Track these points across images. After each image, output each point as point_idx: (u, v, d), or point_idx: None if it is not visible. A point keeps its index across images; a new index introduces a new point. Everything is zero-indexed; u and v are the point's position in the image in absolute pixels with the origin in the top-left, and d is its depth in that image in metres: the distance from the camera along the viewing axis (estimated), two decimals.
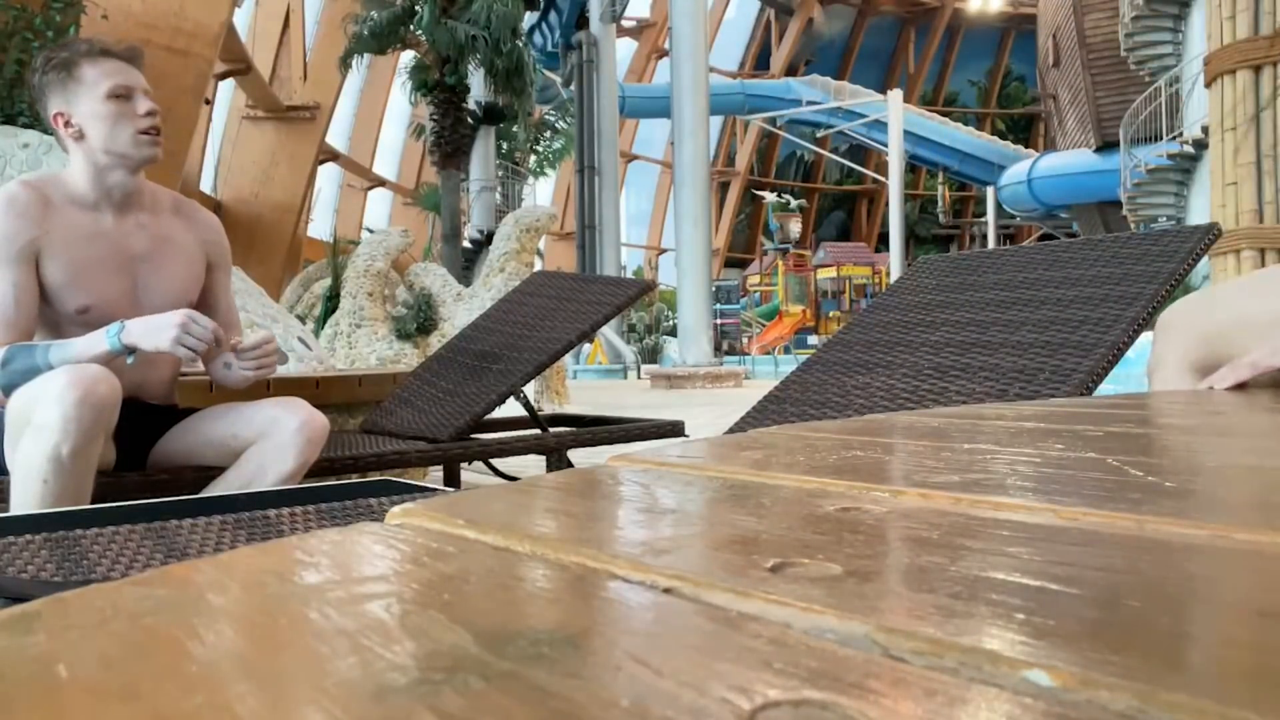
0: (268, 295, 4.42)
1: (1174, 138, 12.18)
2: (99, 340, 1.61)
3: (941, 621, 0.22)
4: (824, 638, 0.22)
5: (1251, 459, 0.53)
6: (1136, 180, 12.82)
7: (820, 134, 30.25)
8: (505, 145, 19.92)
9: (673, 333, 18.18)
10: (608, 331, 17.06)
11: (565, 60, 20.83)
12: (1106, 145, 16.78)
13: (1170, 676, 0.19)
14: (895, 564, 0.29)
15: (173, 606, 0.25)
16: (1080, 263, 1.87)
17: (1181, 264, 1.71)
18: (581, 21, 20.15)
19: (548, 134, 23.12)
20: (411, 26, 15.13)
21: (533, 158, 22.52)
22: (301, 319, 8.13)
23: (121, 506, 1.41)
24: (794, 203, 29.01)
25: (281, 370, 3.68)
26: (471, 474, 3.10)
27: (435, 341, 7.42)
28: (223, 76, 15.21)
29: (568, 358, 8.64)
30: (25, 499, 1.50)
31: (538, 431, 2.62)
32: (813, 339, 22.99)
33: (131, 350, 1.61)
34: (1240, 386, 1.02)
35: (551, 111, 23.49)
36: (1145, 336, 1.68)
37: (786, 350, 22.70)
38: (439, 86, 15.13)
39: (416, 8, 14.95)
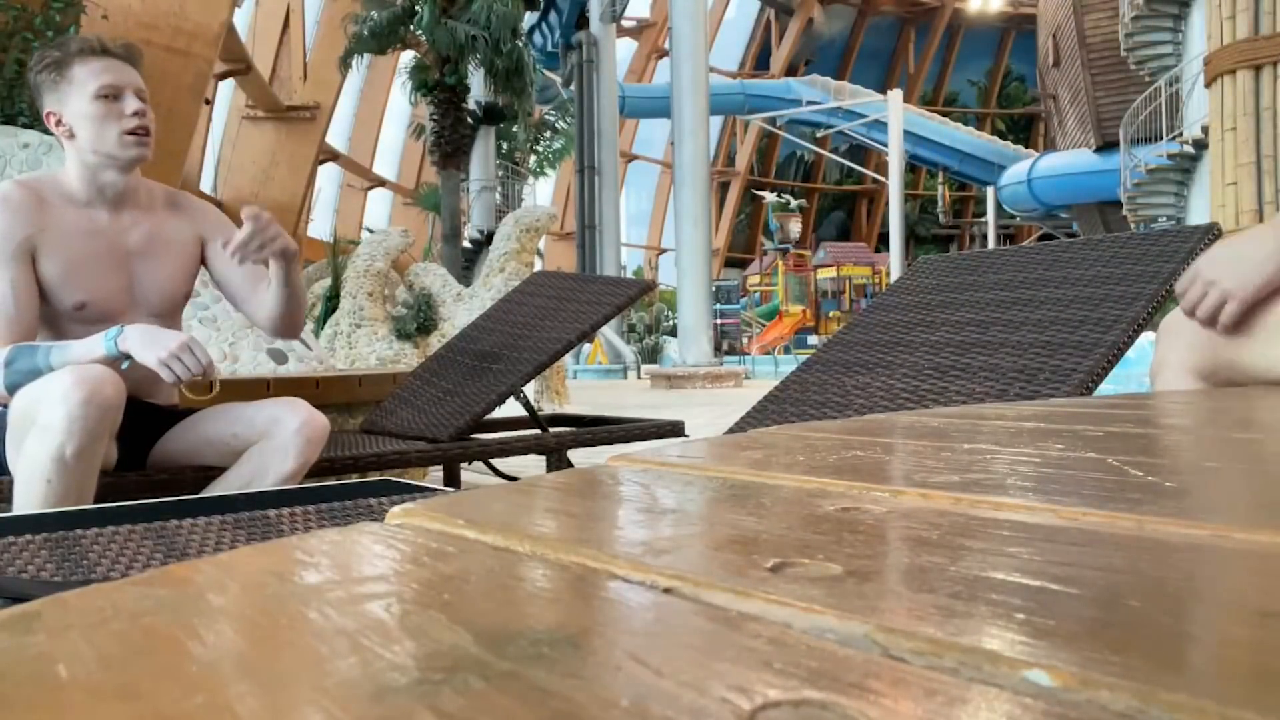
0: None
1: (1174, 138, 12.18)
2: (97, 344, 1.62)
3: (941, 621, 0.22)
4: (824, 638, 0.22)
5: (1252, 459, 0.53)
6: (1136, 180, 12.81)
7: (820, 134, 30.24)
8: (505, 145, 19.91)
9: (673, 333, 18.17)
10: (608, 331, 17.06)
11: (565, 60, 20.83)
12: (1106, 145, 16.77)
13: (1170, 676, 0.19)
14: (895, 564, 0.29)
15: (173, 606, 0.25)
16: (1080, 263, 1.87)
17: (1181, 264, 1.71)
18: (581, 21, 20.14)
19: (548, 134, 23.10)
20: (411, 26, 15.13)
21: (533, 158, 22.51)
22: None
23: (122, 506, 1.41)
24: (794, 203, 29.00)
25: (281, 370, 3.69)
26: (471, 474, 3.10)
27: (435, 341, 7.42)
28: (223, 76, 15.21)
29: (568, 358, 8.64)
30: (28, 499, 1.50)
31: (538, 431, 2.62)
32: (813, 339, 22.98)
33: (127, 356, 1.61)
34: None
35: (551, 111, 23.48)
36: (1145, 336, 1.68)
37: (786, 350, 22.70)
38: (439, 86, 15.13)
39: (416, 8, 14.94)
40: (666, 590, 0.26)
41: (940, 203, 29.89)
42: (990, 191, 23.23)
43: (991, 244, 22.60)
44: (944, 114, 30.60)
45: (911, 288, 2.14)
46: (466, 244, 17.02)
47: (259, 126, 17.71)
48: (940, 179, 28.81)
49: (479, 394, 2.53)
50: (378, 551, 0.31)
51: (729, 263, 34.81)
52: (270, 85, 17.78)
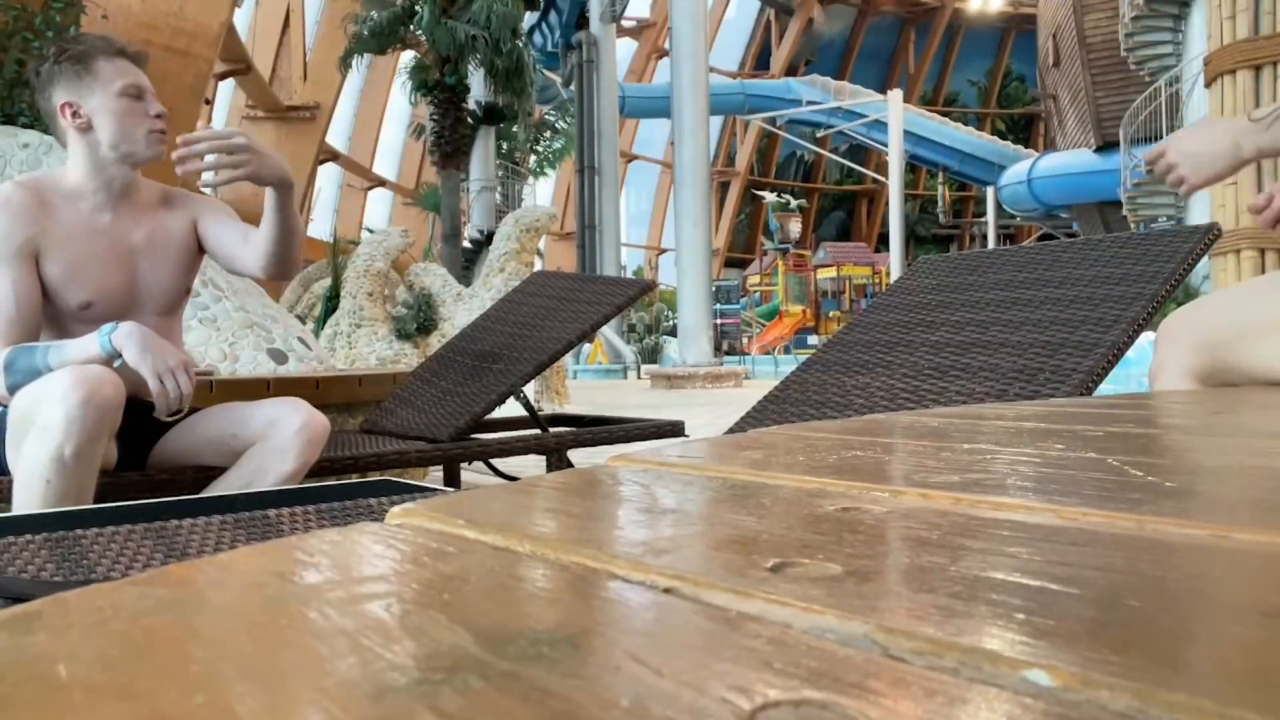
0: (268, 295, 4.42)
1: None
2: (92, 342, 1.62)
3: (941, 621, 0.22)
4: (824, 638, 0.22)
5: (1251, 459, 0.53)
6: (1136, 180, 12.81)
7: (820, 134, 30.24)
8: (505, 145, 19.91)
9: (673, 333, 18.17)
10: (608, 331, 17.06)
11: (565, 60, 20.83)
12: (1106, 145, 16.77)
13: (1170, 676, 0.19)
14: (895, 564, 0.29)
15: (173, 606, 0.25)
16: (1080, 263, 1.87)
17: (1181, 264, 1.71)
18: (581, 21, 20.14)
19: (548, 134, 23.10)
20: (411, 26, 15.13)
21: (533, 158, 22.51)
22: (301, 319, 8.13)
23: (121, 506, 1.41)
24: (794, 203, 29.01)
25: (281, 370, 3.69)
26: (471, 474, 3.10)
27: (435, 341, 7.42)
28: (223, 76, 15.22)
29: (568, 358, 8.64)
30: (28, 499, 1.50)
31: (538, 431, 2.62)
32: (813, 339, 22.98)
33: (119, 354, 1.61)
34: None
35: (551, 111, 23.48)
36: (1145, 336, 1.68)
37: (786, 350, 22.70)
38: (439, 86, 15.13)
39: (416, 8, 14.95)
40: (666, 590, 0.26)
41: (940, 203, 29.88)
42: (990, 191, 23.22)
43: (991, 244, 22.60)
44: (944, 114, 30.60)
45: (911, 288, 2.14)
46: (466, 244, 17.02)
47: (259, 126, 17.73)
48: (940, 179, 28.80)
49: (479, 394, 2.53)
50: (378, 551, 0.31)
51: (729, 263, 34.82)
52: (270, 85, 17.80)
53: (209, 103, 15.13)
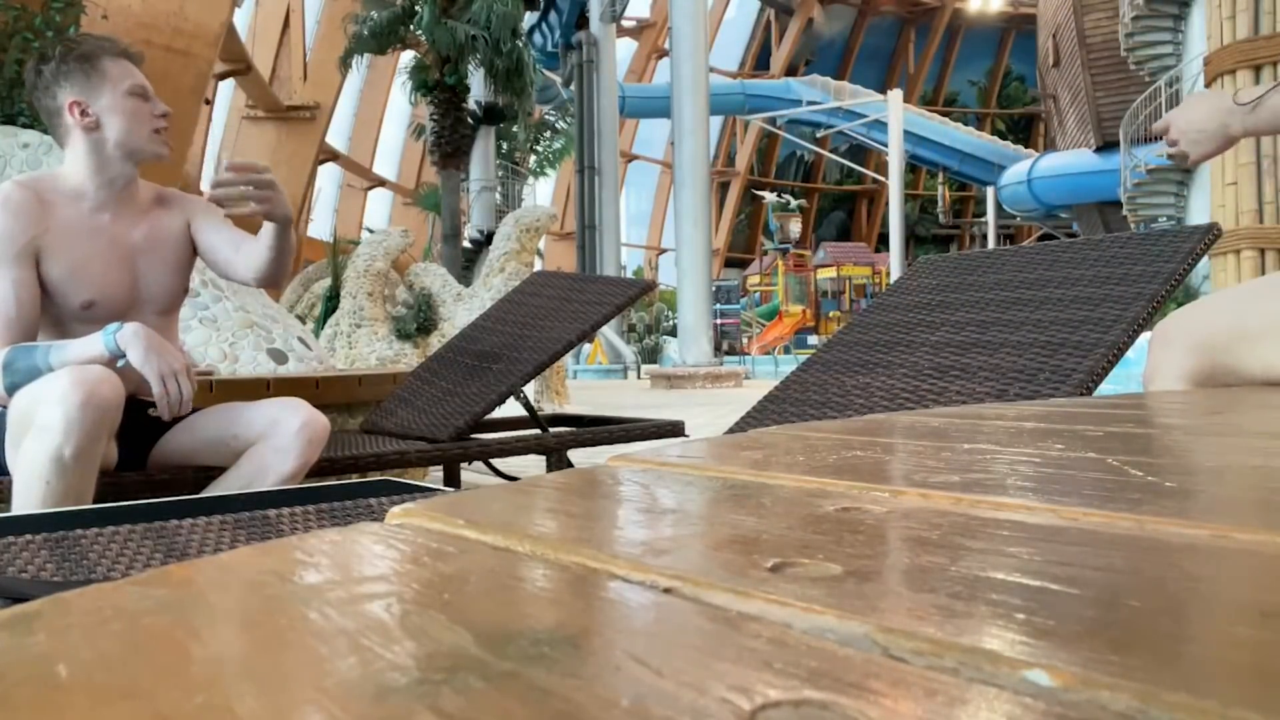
0: (268, 295, 4.43)
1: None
2: (95, 341, 1.62)
3: (941, 621, 0.22)
4: (824, 638, 0.22)
5: (1252, 459, 0.53)
6: (1136, 180, 12.81)
7: (820, 134, 30.25)
8: (505, 145, 19.91)
9: (673, 333, 18.17)
10: (608, 331, 17.05)
11: (565, 60, 20.82)
12: (1106, 145, 16.77)
13: (1171, 676, 0.19)
14: (895, 564, 0.29)
15: (173, 606, 0.25)
16: (1080, 263, 1.87)
17: (1181, 264, 1.71)
18: (581, 21, 20.14)
19: (548, 134, 23.10)
20: (411, 26, 15.13)
21: (533, 158, 22.51)
22: (301, 319, 8.13)
23: (121, 506, 1.41)
24: (794, 203, 29.00)
25: (281, 370, 3.69)
26: (471, 474, 3.10)
27: (435, 341, 7.42)
28: (223, 76, 15.22)
29: (568, 358, 8.64)
30: (27, 500, 1.49)
31: (538, 431, 2.62)
32: (813, 339, 22.98)
33: (123, 354, 1.61)
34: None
35: (551, 111, 23.48)
36: (1145, 336, 1.68)
37: (786, 350, 22.70)
38: (439, 86, 15.13)
39: (416, 8, 14.95)
40: (666, 590, 0.26)
41: (940, 203, 29.88)
42: (990, 191, 23.22)
43: (991, 244, 22.60)
44: (944, 114, 30.61)
45: (911, 288, 2.14)
46: (466, 244, 17.02)
47: (259, 126, 17.72)
48: (940, 179, 28.80)
49: (479, 394, 2.53)
50: (378, 551, 0.31)
51: (729, 263, 34.82)
52: (270, 85, 17.80)
53: (209, 103, 15.14)
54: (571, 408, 7.18)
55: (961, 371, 1.78)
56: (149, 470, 1.85)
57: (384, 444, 2.37)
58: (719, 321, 21.35)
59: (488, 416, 2.52)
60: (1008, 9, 33.81)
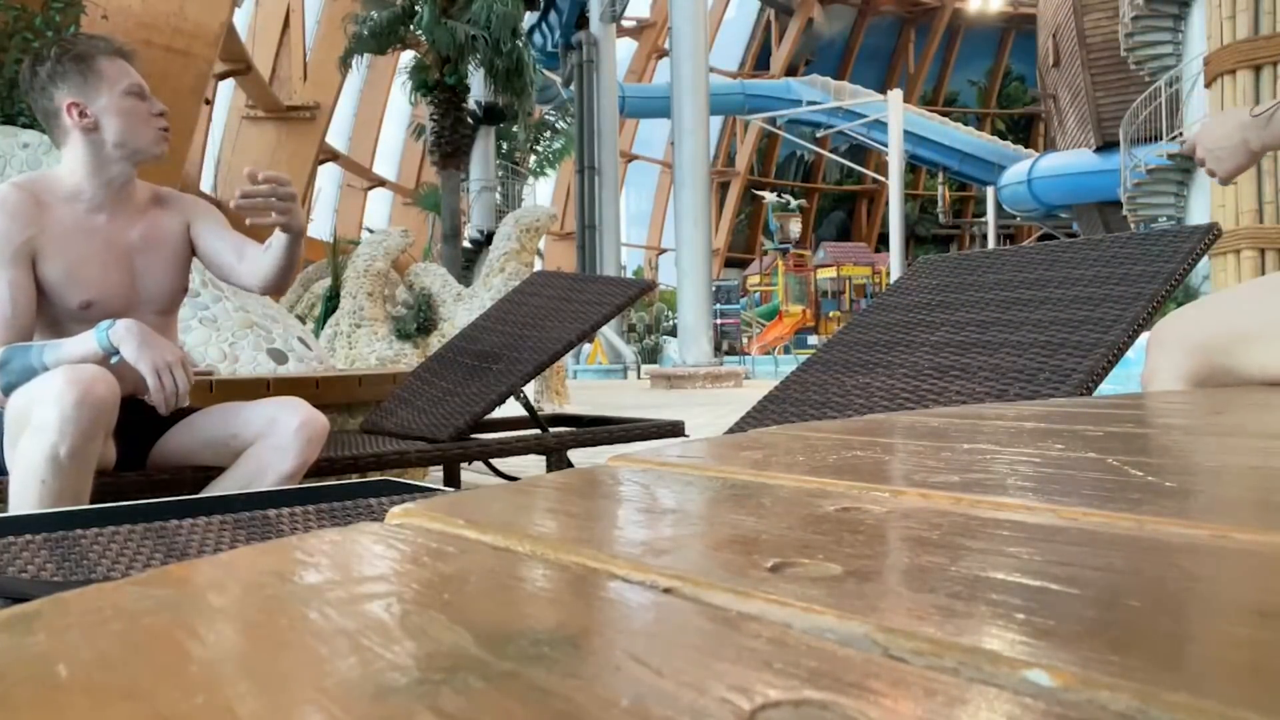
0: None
1: (1174, 138, 12.16)
2: (89, 338, 1.62)
3: (941, 621, 0.22)
4: (824, 638, 0.22)
5: (1251, 459, 0.53)
6: (1136, 180, 12.81)
7: (820, 134, 30.24)
8: (505, 145, 19.91)
9: (673, 333, 18.17)
10: (608, 331, 17.05)
11: (565, 60, 20.82)
12: (1106, 145, 16.77)
13: (1170, 676, 0.19)
14: (895, 564, 0.29)
15: (173, 606, 0.25)
16: (1080, 263, 1.87)
17: (1181, 264, 1.71)
18: (581, 21, 20.13)
19: (548, 134, 23.09)
20: (411, 26, 15.13)
21: (533, 158, 22.50)
22: (301, 319, 8.12)
23: (121, 506, 1.41)
24: (794, 203, 28.99)
25: (281, 370, 3.69)
26: (471, 474, 3.10)
27: (435, 341, 7.42)
28: (223, 76, 15.22)
29: (568, 358, 8.64)
30: (24, 499, 1.49)
31: (538, 431, 2.62)
32: (813, 339, 22.98)
33: (117, 351, 1.61)
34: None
35: (551, 111, 23.48)
36: (1145, 336, 1.68)
37: (786, 350, 22.70)
38: (439, 86, 15.13)
39: (416, 8, 14.94)
40: (666, 590, 0.26)
41: (940, 203, 29.88)
42: (990, 191, 23.22)
43: (991, 244, 22.59)
44: (944, 114, 30.60)
45: (911, 288, 2.14)
46: (466, 244, 17.02)
47: (259, 126, 17.72)
48: (940, 179, 28.80)
49: (479, 394, 2.53)
50: (378, 551, 0.31)
51: (729, 263, 34.81)
52: (270, 85, 17.80)
53: (209, 103, 15.14)
54: (571, 408, 7.19)
55: (961, 371, 1.78)
56: (148, 470, 1.85)
57: (384, 444, 2.37)
58: (719, 321, 21.34)
59: (488, 416, 2.52)
60: (1008, 9, 33.81)
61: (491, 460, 2.58)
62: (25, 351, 1.63)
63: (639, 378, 16.22)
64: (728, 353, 21.15)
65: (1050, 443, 0.56)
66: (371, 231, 14.30)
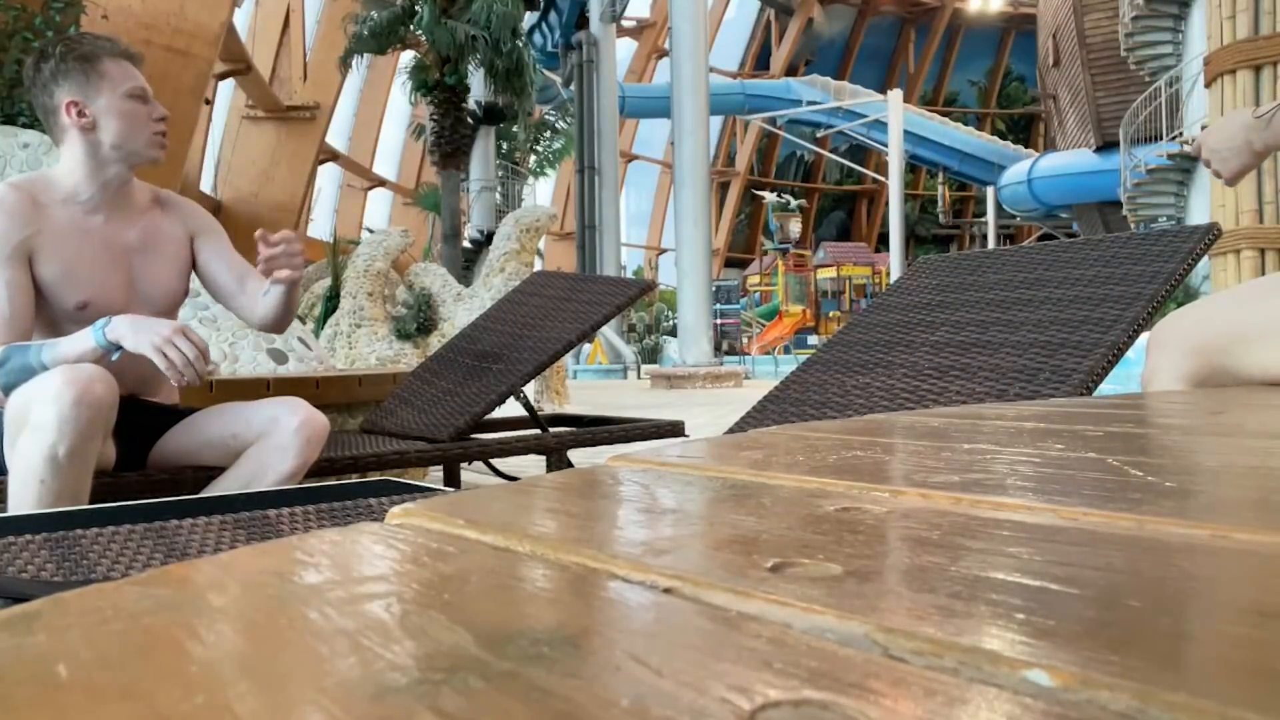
0: None
1: (1174, 138, 12.17)
2: (85, 337, 1.62)
3: (941, 621, 0.22)
4: (824, 638, 0.22)
5: (1251, 459, 0.53)
6: (1136, 180, 12.81)
7: (820, 134, 30.24)
8: (505, 145, 19.90)
9: (673, 333, 18.17)
10: (608, 331, 17.05)
11: (565, 60, 20.81)
12: (1106, 145, 16.77)
13: (1170, 676, 0.19)
14: (895, 564, 0.29)
15: (173, 606, 0.25)
16: (1080, 263, 1.87)
17: (1181, 264, 1.71)
18: (581, 21, 20.13)
19: (548, 134, 23.09)
20: (411, 26, 15.12)
21: (533, 158, 22.50)
22: (301, 319, 8.12)
23: (121, 506, 1.41)
24: (794, 203, 28.99)
25: (281, 370, 3.69)
26: (471, 474, 3.10)
27: (435, 341, 7.42)
28: (223, 76, 15.21)
29: (568, 358, 8.64)
30: (23, 499, 1.49)
31: (538, 431, 2.62)
32: (813, 339, 22.98)
33: (117, 346, 1.61)
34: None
35: (551, 111, 23.47)
36: (1145, 336, 1.68)
37: (786, 350, 22.70)
38: (439, 86, 15.12)
39: (416, 8, 14.93)
40: (666, 590, 0.26)
41: (940, 203, 29.86)
42: (990, 191, 23.22)
43: (991, 244, 22.59)
44: (944, 114, 30.60)
45: (911, 288, 2.14)
46: (466, 244, 17.01)
47: (259, 126, 17.71)
48: (940, 179, 28.79)
49: (479, 394, 2.53)
50: (378, 551, 0.31)
51: (729, 263, 34.81)
52: (270, 85, 17.79)
53: (209, 103, 15.13)
54: (571, 408, 7.19)
55: (961, 371, 1.78)
56: (148, 470, 1.85)
57: (384, 444, 2.37)
58: (719, 321, 21.35)
59: (487, 416, 2.52)
60: (1008, 9, 33.81)
61: (491, 460, 2.58)
62: (23, 351, 1.63)
63: (639, 378, 16.22)
64: (728, 353, 21.16)
65: (1050, 443, 0.56)
66: (371, 231, 14.29)
